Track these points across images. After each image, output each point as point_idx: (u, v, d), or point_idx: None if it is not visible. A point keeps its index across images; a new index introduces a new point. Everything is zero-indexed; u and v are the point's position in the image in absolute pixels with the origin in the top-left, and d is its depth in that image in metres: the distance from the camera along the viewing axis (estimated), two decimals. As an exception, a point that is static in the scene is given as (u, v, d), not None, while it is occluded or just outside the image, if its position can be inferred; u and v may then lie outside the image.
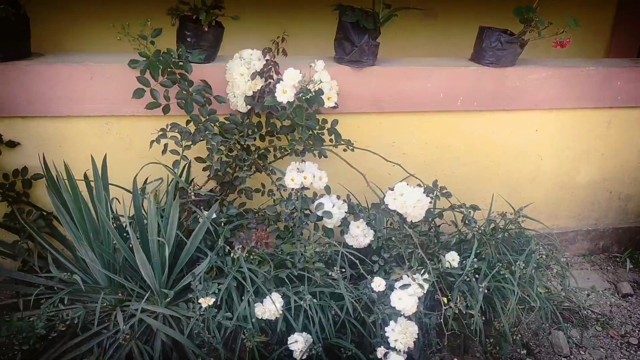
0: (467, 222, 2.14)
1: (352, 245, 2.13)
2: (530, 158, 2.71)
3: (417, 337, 1.93)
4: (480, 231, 2.21)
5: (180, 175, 2.16)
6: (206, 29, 2.06)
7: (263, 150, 2.20)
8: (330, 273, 1.94)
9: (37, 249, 2.03)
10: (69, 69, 2.04)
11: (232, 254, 1.90)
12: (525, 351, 2.33)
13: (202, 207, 2.06)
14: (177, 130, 1.98)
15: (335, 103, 2.12)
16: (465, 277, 2.10)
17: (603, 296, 2.72)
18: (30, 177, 2.09)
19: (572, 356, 2.34)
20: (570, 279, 2.34)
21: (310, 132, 2.12)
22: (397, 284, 1.94)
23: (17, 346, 1.82)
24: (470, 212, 2.17)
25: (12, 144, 2.05)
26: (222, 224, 2.05)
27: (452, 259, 2.10)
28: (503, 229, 2.32)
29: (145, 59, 1.94)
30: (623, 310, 2.64)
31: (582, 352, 2.37)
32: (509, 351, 2.29)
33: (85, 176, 2.01)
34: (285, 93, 1.89)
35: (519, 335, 2.40)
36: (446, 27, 3.15)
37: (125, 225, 1.91)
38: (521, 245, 2.34)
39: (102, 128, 2.15)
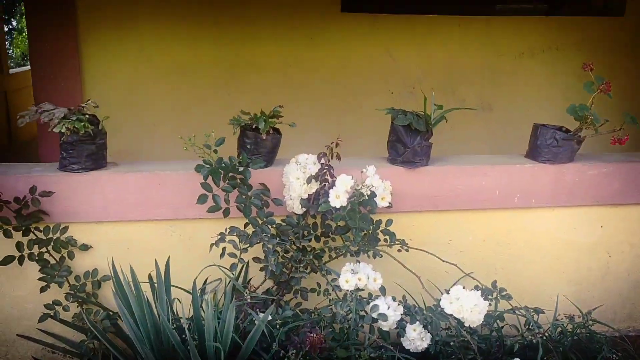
0: (530, 327, 2.05)
1: (409, 349, 2.08)
2: (598, 254, 2.60)
3: None
4: (545, 337, 2.10)
5: (238, 276, 2.22)
6: (264, 137, 2.18)
7: (318, 251, 2.24)
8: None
9: (101, 349, 2.11)
10: (140, 177, 2.19)
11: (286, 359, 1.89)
12: None
13: (258, 309, 2.09)
14: (235, 234, 2.06)
15: (389, 203, 2.15)
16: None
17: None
18: (100, 278, 2.21)
19: None
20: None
21: (364, 233, 2.15)
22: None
23: None
24: (533, 315, 2.08)
25: (85, 247, 2.19)
26: (278, 326, 2.06)
27: (515, 365, 2.00)
28: (572, 333, 2.20)
29: (209, 166, 2.07)
30: None
31: None
32: None
33: (150, 277, 2.10)
34: (338, 198, 1.95)
35: None
36: (502, 120, 3.18)
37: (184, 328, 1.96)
38: (592, 351, 2.19)
39: (167, 231, 2.27)
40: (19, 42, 11.52)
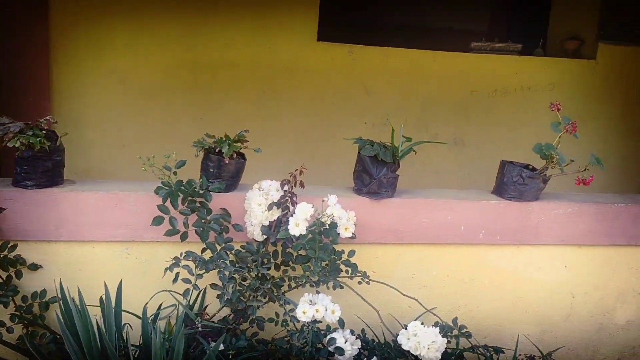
0: (487, 363, 2.01)
1: (365, 386, 2.02)
2: (562, 295, 2.57)
3: None
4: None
5: (194, 303, 2.15)
6: (227, 161, 2.14)
7: (277, 280, 2.18)
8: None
9: (45, 375, 2.01)
10: (98, 197, 2.13)
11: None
12: None
13: (209, 338, 2.01)
14: (191, 259, 2.00)
15: (353, 234, 2.11)
16: None
17: None
18: (48, 300, 2.12)
19: None
20: None
21: (325, 263, 2.10)
22: None
23: None
24: (492, 354, 2.04)
25: (35, 267, 2.10)
26: (230, 356, 1.99)
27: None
28: (531, 375, 2.16)
29: (167, 188, 2.02)
30: None
31: None
32: None
33: (101, 301, 2.02)
34: (297, 226, 1.91)
35: None
36: (473, 155, 3.19)
37: (132, 355, 1.88)
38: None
39: (122, 253, 2.19)
40: None
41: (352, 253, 2.17)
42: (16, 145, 1.95)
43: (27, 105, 3.45)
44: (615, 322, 2.67)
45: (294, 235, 1.96)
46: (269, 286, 2.15)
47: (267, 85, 3.75)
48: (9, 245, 2.04)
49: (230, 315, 2.19)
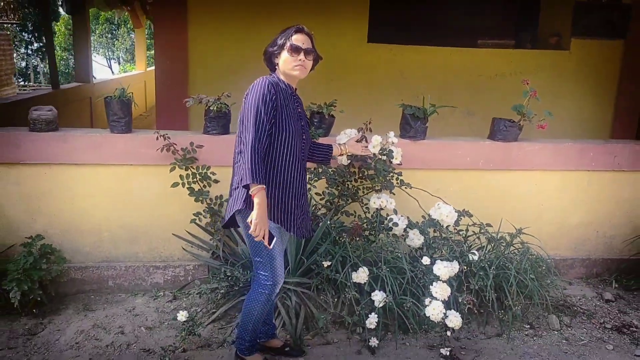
0: (482, 231, 3.34)
1: (410, 246, 3.36)
2: (533, 203, 3.86)
3: (449, 294, 3.08)
4: (492, 238, 3.39)
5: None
6: (327, 117, 3.50)
7: (356, 189, 3.53)
8: (397, 253, 3.17)
9: (221, 245, 3.40)
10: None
11: (339, 240, 3.19)
12: (528, 325, 3.38)
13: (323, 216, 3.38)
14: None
15: (400, 161, 3.45)
16: (482, 265, 3.26)
17: (590, 301, 3.72)
18: (224, 200, 3.51)
19: (562, 330, 3.36)
20: (562, 283, 3.40)
21: (387, 178, 3.44)
22: (437, 261, 3.14)
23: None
24: (485, 227, 3.37)
25: (216, 181, 3.48)
26: (333, 227, 3.35)
27: (474, 255, 3.28)
28: (509, 243, 3.48)
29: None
30: (604, 310, 3.62)
31: (570, 329, 3.38)
32: (518, 326, 3.35)
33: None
34: (374, 147, 3.25)
35: (525, 318, 3.44)
36: (480, 121, 4.46)
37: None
38: (522, 254, 3.47)
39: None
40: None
41: (400, 173, 3.51)
42: (212, 109, 3.33)
43: (172, 93, 4.90)
44: (570, 222, 3.95)
45: (371, 155, 3.29)
46: (352, 192, 3.51)
47: (333, 75, 5.06)
48: (205, 168, 3.43)
49: (332, 208, 3.55)
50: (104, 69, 21.47)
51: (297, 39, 2.49)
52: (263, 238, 2.41)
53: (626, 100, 5.48)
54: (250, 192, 2.38)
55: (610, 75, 5.53)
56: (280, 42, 2.51)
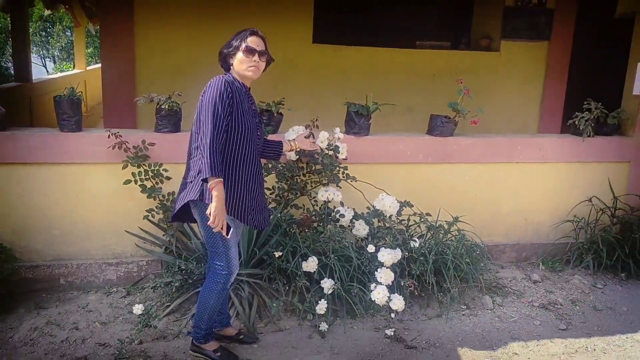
0: (422, 220, 3.58)
1: (356, 235, 3.56)
2: (469, 194, 4.15)
3: (393, 279, 3.30)
4: (432, 226, 3.65)
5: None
6: (275, 115, 3.65)
7: (304, 183, 3.70)
8: (345, 243, 3.37)
9: (174, 241, 3.49)
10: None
11: (289, 232, 3.35)
12: (465, 306, 3.66)
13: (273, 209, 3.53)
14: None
15: (345, 156, 3.64)
16: (422, 251, 3.50)
17: (520, 282, 4.04)
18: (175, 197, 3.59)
19: (494, 309, 3.65)
20: (494, 267, 3.70)
21: (333, 172, 3.62)
22: (382, 249, 3.35)
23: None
24: (425, 216, 3.62)
25: (168, 178, 3.57)
26: (284, 221, 3.51)
27: (415, 242, 3.52)
28: (447, 231, 3.75)
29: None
30: (532, 289, 3.95)
31: (502, 308, 3.68)
32: (455, 307, 3.61)
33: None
34: (322, 143, 3.43)
35: (462, 299, 3.72)
36: (419, 117, 4.72)
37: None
38: (458, 241, 3.74)
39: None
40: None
41: (346, 167, 3.71)
42: (164, 107, 3.41)
43: (120, 92, 4.91)
44: (501, 211, 4.28)
45: (318, 150, 3.46)
46: (301, 186, 3.68)
47: (280, 74, 5.15)
48: (158, 165, 3.50)
49: (282, 201, 3.70)
50: (38, 68, 20.69)
51: (252, 41, 2.64)
52: (221, 229, 2.54)
53: (551, 98, 5.92)
54: (209, 186, 2.51)
55: (536, 75, 5.95)
56: (235, 44, 2.64)
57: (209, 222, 2.53)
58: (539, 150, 4.19)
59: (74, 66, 12.91)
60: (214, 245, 2.70)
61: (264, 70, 2.75)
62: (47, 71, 20.42)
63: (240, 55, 2.64)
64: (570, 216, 4.32)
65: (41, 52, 21.31)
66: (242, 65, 2.65)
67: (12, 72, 7.90)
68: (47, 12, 9.14)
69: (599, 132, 4.33)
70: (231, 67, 2.71)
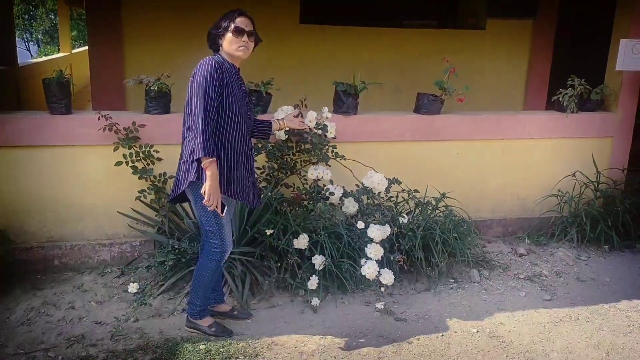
0: (411, 197, 3.66)
1: (346, 213, 3.62)
2: (456, 171, 4.22)
3: (382, 254, 3.38)
4: (420, 202, 3.72)
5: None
6: (264, 95, 3.68)
7: (294, 162, 3.75)
8: (335, 220, 3.43)
9: (166, 221, 3.53)
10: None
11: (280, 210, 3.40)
12: (452, 280, 3.75)
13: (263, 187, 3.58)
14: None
15: (334, 135, 3.69)
16: (411, 227, 3.58)
17: (506, 256, 4.14)
18: (167, 177, 3.63)
19: (481, 282, 3.75)
20: (481, 241, 3.80)
21: (323, 151, 3.67)
22: (371, 225, 3.42)
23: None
24: (413, 193, 3.69)
25: (159, 159, 3.60)
26: (275, 200, 3.56)
27: (404, 218, 3.59)
28: (435, 207, 3.82)
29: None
30: (518, 263, 4.05)
31: (489, 281, 3.78)
32: (444, 281, 3.71)
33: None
34: (310, 122, 3.47)
35: (450, 274, 3.81)
36: (406, 98, 4.76)
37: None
38: (446, 217, 3.82)
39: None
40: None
41: (334, 146, 3.75)
42: (153, 89, 3.43)
43: (108, 74, 4.91)
44: (488, 187, 4.36)
45: (307, 129, 3.50)
46: (291, 165, 3.73)
47: (269, 55, 5.15)
48: (148, 146, 3.53)
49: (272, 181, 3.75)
50: (21, 52, 20.37)
51: (241, 22, 2.67)
52: (216, 207, 2.59)
53: (536, 75, 5.98)
54: (202, 165, 2.55)
55: (522, 52, 6.01)
56: (224, 24, 2.67)
57: (203, 201, 2.58)
58: (524, 126, 4.27)
59: (58, 50, 12.75)
60: (208, 223, 2.75)
61: (252, 51, 2.78)
62: (31, 55, 20.14)
63: (229, 35, 2.67)
64: (555, 191, 4.42)
65: (24, 36, 20.99)
66: (232, 45, 2.68)
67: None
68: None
69: (583, 108, 4.42)
70: (220, 47, 2.74)
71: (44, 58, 10.46)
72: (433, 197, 3.88)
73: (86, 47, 12.32)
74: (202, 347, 2.88)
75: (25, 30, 20.61)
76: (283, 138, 3.64)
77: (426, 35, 5.82)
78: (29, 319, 3.10)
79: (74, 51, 11.15)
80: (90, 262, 3.66)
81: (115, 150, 3.43)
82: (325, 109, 3.63)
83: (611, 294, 3.67)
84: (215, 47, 2.77)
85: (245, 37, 2.69)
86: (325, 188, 3.61)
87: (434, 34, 5.86)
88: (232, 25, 2.67)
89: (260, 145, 3.61)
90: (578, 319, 3.34)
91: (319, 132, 3.62)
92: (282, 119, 3.28)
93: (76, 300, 3.30)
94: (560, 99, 4.33)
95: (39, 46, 21.01)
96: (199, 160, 2.59)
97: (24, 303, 3.25)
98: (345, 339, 3.03)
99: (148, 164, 3.54)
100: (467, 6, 6.07)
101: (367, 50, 5.68)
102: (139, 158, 3.50)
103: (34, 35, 21.01)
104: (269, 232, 3.33)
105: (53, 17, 19.55)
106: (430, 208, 3.83)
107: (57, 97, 3.42)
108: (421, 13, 6.09)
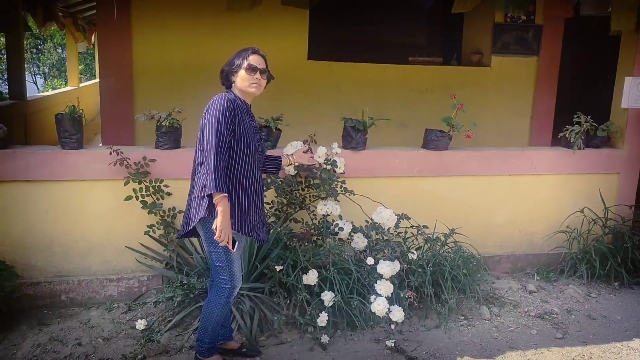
0: (420, 232, 3.64)
1: (355, 248, 3.61)
2: (464, 206, 4.22)
3: (392, 290, 3.35)
4: (429, 238, 3.71)
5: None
6: (274, 130, 3.71)
7: (303, 197, 3.75)
8: (344, 255, 3.41)
9: (174, 256, 3.52)
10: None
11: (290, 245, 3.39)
12: (462, 316, 3.71)
13: (271, 224, 3.58)
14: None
15: (343, 170, 3.70)
16: (420, 263, 3.56)
17: (516, 292, 4.10)
18: (176, 212, 3.62)
19: (492, 319, 3.71)
20: (490, 277, 3.76)
21: (332, 186, 3.68)
22: (380, 261, 3.40)
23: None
24: (422, 228, 3.68)
25: (169, 194, 3.60)
26: (284, 235, 3.55)
27: (413, 254, 3.57)
28: (443, 242, 3.81)
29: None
30: (528, 299, 4.01)
31: (499, 318, 3.74)
32: (454, 318, 3.66)
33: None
34: (320, 157, 3.49)
35: (460, 310, 3.77)
36: (413, 132, 4.80)
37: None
38: (455, 252, 3.80)
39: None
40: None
41: (343, 181, 3.76)
42: (164, 124, 3.46)
43: (118, 107, 4.96)
44: (496, 222, 4.35)
45: (317, 164, 3.52)
46: (300, 200, 3.73)
47: (277, 90, 5.18)
48: (158, 181, 3.54)
49: (281, 216, 3.74)
50: (28, 85, 20.60)
51: (254, 60, 2.72)
52: (227, 243, 2.59)
53: (541, 111, 6.03)
54: (214, 201, 2.56)
55: (527, 89, 6.07)
56: (237, 62, 2.72)
57: (215, 237, 2.57)
58: (531, 162, 4.28)
59: (66, 83, 12.92)
60: (217, 259, 2.74)
61: (264, 88, 2.83)
62: (38, 88, 20.39)
63: (242, 73, 2.72)
64: (563, 227, 4.41)
65: (31, 69, 21.29)
66: (245, 82, 2.72)
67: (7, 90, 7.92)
68: (44, 31, 9.23)
69: (589, 145, 4.44)
70: (233, 84, 2.78)
71: (52, 92, 10.58)
72: (442, 233, 3.87)
73: (94, 81, 12.51)
74: (210, 386, 2.83)
75: (32, 64, 20.92)
76: (292, 173, 3.65)
77: (431, 72, 5.91)
78: (36, 356, 3.06)
79: (82, 85, 11.30)
80: (97, 298, 3.63)
81: (125, 184, 3.45)
82: (335, 144, 3.66)
83: (623, 332, 3.62)
84: (228, 83, 2.81)
85: (258, 75, 2.74)
86: (334, 223, 3.60)
87: (439, 70, 5.94)
88: (246, 63, 2.71)
89: (269, 181, 3.62)
90: (591, 358, 3.29)
91: (328, 167, 3.64)
92: (292, 154, 3.30)
93: (83, 337, 3.26)
94: (567, 135, 4.36)
95: (45, 79, 21.30)
96: (210, 196, 2.60)
97: (31, 339, 3.21)
98: (356, 378, 2.99)
99: (158, 199, 3.55)
100: (471, 43, 6.17)
101: (373, 86, 5.75)
102: (148, 193, 3.51)
103: (41, 69, 21.30)
104: (278, 268, 3.31)
105: (60, 50, 19.88)
106: (439, 244, 3.82)
107: (69, 132, 3.44)
108: (426, 50, 6.20)
